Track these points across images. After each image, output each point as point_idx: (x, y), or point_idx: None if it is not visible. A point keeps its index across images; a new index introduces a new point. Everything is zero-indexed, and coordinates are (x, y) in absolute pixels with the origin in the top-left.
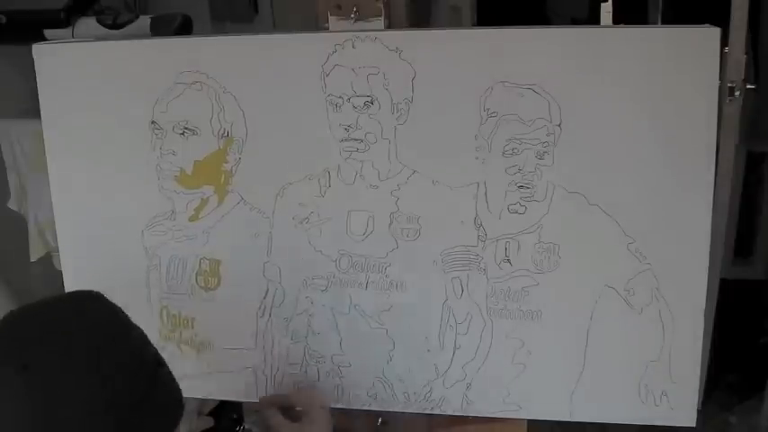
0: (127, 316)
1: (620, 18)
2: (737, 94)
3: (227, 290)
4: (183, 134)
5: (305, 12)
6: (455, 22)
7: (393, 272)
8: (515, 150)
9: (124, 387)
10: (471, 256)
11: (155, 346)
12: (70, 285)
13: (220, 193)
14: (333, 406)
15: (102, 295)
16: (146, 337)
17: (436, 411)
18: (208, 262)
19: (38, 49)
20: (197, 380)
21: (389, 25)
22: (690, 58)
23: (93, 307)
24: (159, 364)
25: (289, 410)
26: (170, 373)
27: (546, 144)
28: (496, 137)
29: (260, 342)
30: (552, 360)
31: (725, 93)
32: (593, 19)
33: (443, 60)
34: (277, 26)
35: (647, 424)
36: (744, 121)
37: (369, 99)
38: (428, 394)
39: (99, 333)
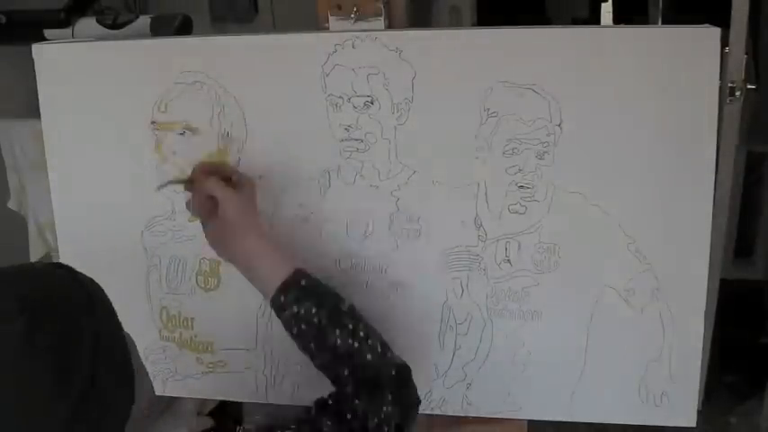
0: (97, 294)
1: (620, 18)
2: (738, 94)
3: (227, 290)
4: (183, 134)
5: (305, 12)
6: (455, 22)
7: (393, 272)
8: (515, 150)
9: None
10: (471, 257)
11: (153, 343)
12: None
13: None
14: None
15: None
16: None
17: (436, 411)
18: (208, 262)
19: (38, 49)
20: (197, 380)
21: (389, 25)
22: (690, 58)
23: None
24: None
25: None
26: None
27: (546, 144)
28: (496, 137)
29: (260, 342)
30: (552, 360)
31: (725, 93)
32: (594, 19)
33: (443, 60)
34: (277, 26)
35: (647, 424)
36: (744, 121)
37: (369, 99)
38: (428, 394)
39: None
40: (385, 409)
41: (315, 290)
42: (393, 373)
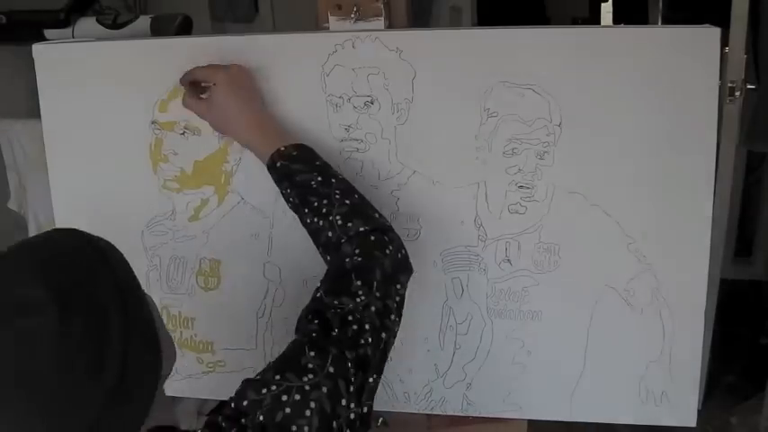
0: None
1: (620, 18)
2: (737, 94)
3: (227, 290)
4: (183, 134)
5: (305, 12)
6: (455, 22)
7: None
8: (515, 150)
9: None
10: (471, 257)
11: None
12: None
13: (220, 193)
14: None
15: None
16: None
17: (436, 411)
18: (208, 262)
19: (38, 49)
20: (197, 380)
21: (389, 25)
22: (690, 58)
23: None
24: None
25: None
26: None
27: (546, 144)
28: (496, 137)
29: (260, 342)
30: (552, 360)
31: (725, 93)
32: (594, 19)
33: (443, 60)
34: (277, 26)
35: (646, 424)
36: (744, 121)
37: (369, 99)
38: (428, 394)
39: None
40: (360, 299)
41: (287, 171)
42: (356, 251)
